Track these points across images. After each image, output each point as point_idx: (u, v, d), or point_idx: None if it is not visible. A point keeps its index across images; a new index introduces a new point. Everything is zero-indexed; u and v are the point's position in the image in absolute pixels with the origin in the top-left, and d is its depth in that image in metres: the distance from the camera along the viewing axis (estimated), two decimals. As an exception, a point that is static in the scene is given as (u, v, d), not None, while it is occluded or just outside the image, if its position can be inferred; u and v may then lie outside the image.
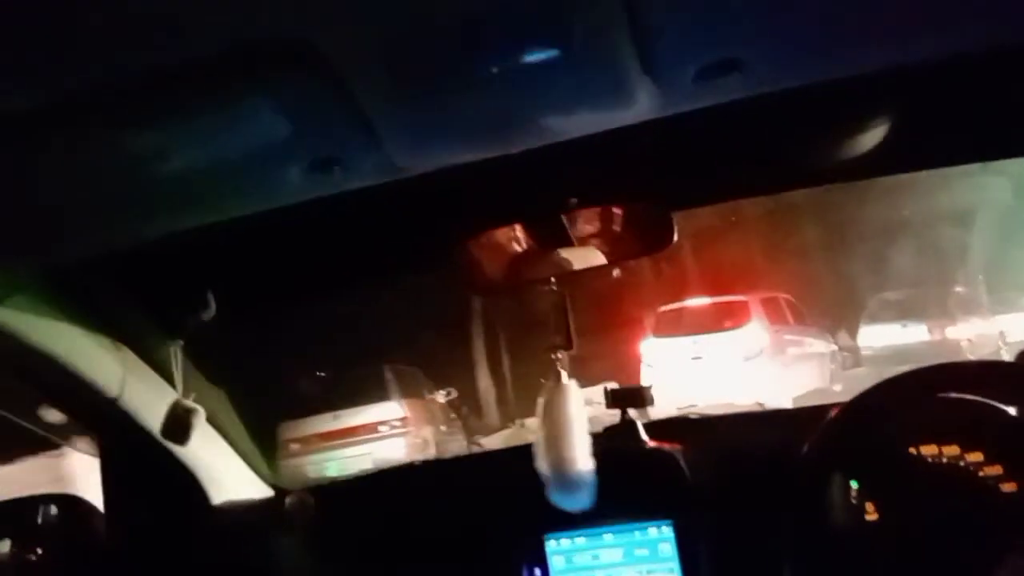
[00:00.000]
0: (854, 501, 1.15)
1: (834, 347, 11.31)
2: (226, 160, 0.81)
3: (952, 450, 1.11)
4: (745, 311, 9.81)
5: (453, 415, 10.17)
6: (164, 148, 0.78)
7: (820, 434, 1.14)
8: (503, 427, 11.22)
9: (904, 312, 11.15)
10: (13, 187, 0.82)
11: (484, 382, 12.35)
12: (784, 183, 1.26)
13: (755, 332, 9.53)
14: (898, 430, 1.14)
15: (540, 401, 1.19)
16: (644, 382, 7.12)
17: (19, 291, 1.07)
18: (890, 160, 1.14)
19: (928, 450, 1.13)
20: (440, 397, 9.92)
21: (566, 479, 1.15)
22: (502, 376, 12.69)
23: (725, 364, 8.91)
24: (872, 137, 1.09)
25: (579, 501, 1.17)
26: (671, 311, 10.41)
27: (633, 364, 10.00)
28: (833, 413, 1.14)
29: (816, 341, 10.80)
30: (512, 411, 11.48)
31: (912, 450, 1.13)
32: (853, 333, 11.96)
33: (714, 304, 10.13)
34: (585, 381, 1.34)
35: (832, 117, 1.07)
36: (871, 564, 1.11)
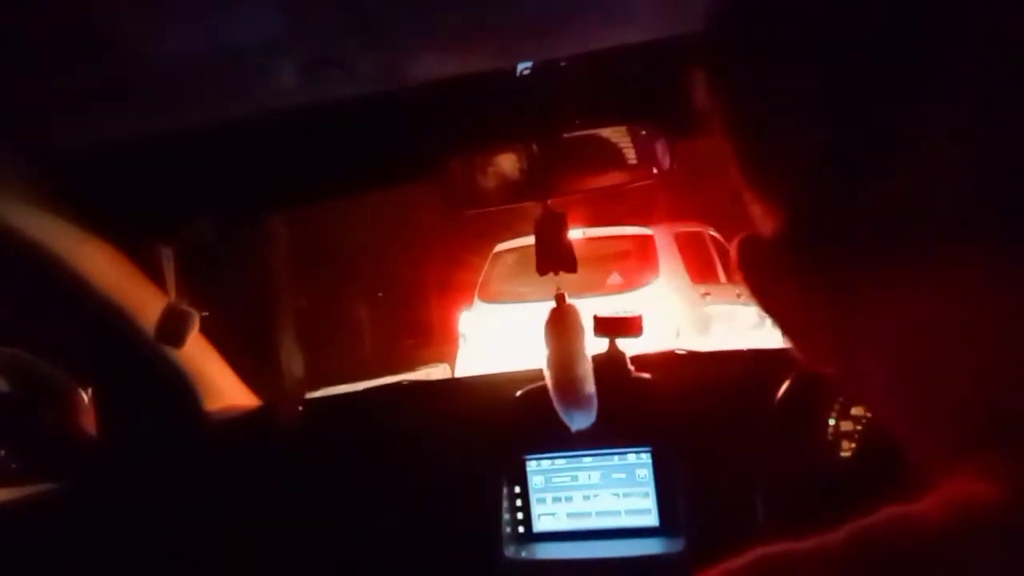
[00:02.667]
0: (830, 437, 1.17)
1: None
2: (219, 51, 0.79)
3: None
4: (648, 256, 5.67)
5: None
6: (154, 35, 0.76)
7: (802, 369, 1.15)
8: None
9: None
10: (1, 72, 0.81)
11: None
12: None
13: (665, 298, 5.42)
14: None
15: (544, 324, 1.20)
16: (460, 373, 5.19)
17: (11, 185, 1.06)
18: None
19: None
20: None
21: (572, 398, 1.18)
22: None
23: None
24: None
25: (585, 419, 1.20)
26: (512, 252, 5.88)
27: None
28: None
29: (756, 312, 6.59)
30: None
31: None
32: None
33: (592, 241, 5.40)
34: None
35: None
36: (842, 499, 1.13)
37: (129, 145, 1.03)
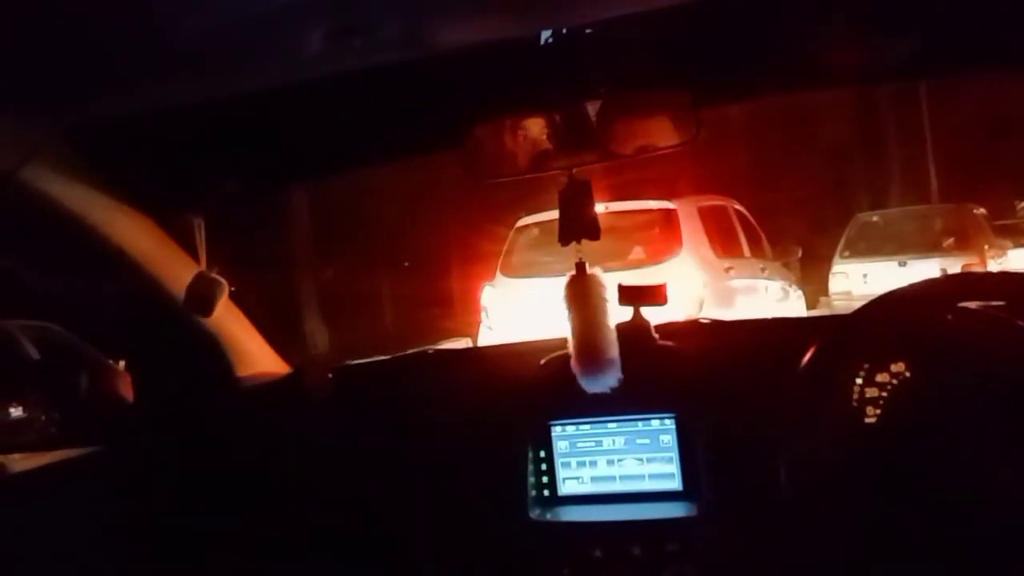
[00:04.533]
0: (855, 404, 1.17)
1: (798, 292, 7.02)
2: (246, 20, 0.80)
3: (963, 360, 1.12)
4: (672, 230, 5.62)
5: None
6: (184, 5, 0.77)
7: (830, 335, 1.15)
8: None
9: (902, 241, 7.96)
10: (34, 42, 0.82)
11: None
12: (813, 83, 1.22)
13: (688, 272, 5.36)
14: (912, 336, 1.15)
15: (565, 291, 1.22)
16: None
17: (44, 153, 1.08)
18: (926, 65, 1.10)
19: (938, 358, 1.14)
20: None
21: (593, 363, 1.19)
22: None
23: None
24: (907, 40, 1.05)
25: (606, 384, 1.21)
26: (534, 227, 5.95)
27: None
28: (846, 316, 1.15)
29: (781, 286, 6.58)
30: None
31: (924, 356, 1.14)
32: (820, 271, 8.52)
33: (615, 215, 5.36)
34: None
35: (866, 19, 1.03)
36: (867, 465, 1.14)
37: (161, 116, 1.04)
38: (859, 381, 1.18)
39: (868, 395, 1.18)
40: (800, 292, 7.05)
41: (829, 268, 8.46)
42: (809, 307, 7.38)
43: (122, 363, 1.64)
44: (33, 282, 1.42)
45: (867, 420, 1.17)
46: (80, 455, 1.59)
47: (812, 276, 8.30)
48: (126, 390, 1.59)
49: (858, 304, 1.20)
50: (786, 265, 7.04)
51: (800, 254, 7.40)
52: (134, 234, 1.30)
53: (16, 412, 1.56)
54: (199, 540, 1.46)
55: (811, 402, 1.18)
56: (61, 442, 1.57)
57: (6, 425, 1.54)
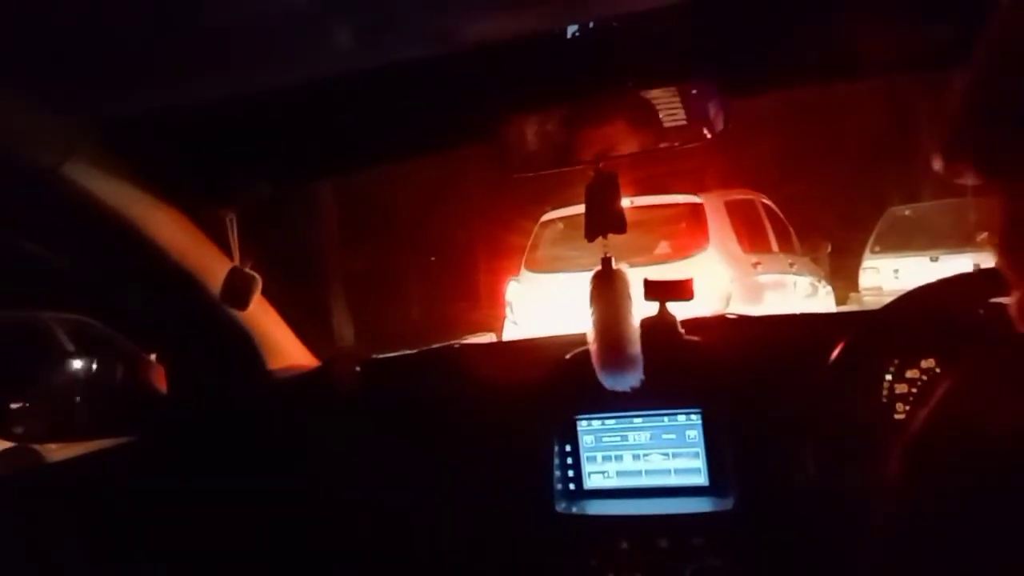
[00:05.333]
0: (884, 400, 1.16)
1: (828, 288, 6.89)
2: (275, 16, 0.81)
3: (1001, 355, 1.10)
4: (698, 225, 5.55)
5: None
6: (215, 2, 0.79)
7: (859, 330, 1.14)
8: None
9: (935, 236, 7.68)
10: (74, 41, 0.84)
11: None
12: (847, 73, 1.21)
13: (715, 267, 5.31)
14: (945, 330, 1.13)
15: (590, 285, 1.22)
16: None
17: (84, 148, 1.11)
18: (964, 53, 1.08)
19: (971, 353, 1.12)
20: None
21: (618, 360, 1.19)
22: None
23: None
24: (944, 28, 1.03)
25: (628, 381, 1.21)
26: (559, 221, 5.95)
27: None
28: (875, 311, 1.14)
29: (810, 281, 6.45)
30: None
31: (956, 351, 1.13)
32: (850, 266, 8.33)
33: (641, 210, 5.28)
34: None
35: (903, 3, 1.02)
36: (896, 462, 1.13)
37: (194, 112, 1.06)
38: (889, 377, 1.17)
39: (898, 391, 1.17)
40: (829, 288, 6.94)
41: (859, 263, 8.32)
42: (839, 303, 7.26)
43: (153, 356, 1.68)
44: (69, 275, 1.45)
45: (896, 416, 1.16)
46: (115, 445, 1.63)
47: (842, 271, 8.17)
48: (159, 381, 1.62)
49: (888, 300, 1.19)
50: (815, 260, 6.90)
51: (830, 249, 7.29)
52: (168, 229, 1.33)
53: (52, 402, 1.60)
54: (228, 526, 1.49)
55: (840, 398, 1.17)
56: (96, 431, 1.61)
57: (43, 414, 1.58)
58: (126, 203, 1.25)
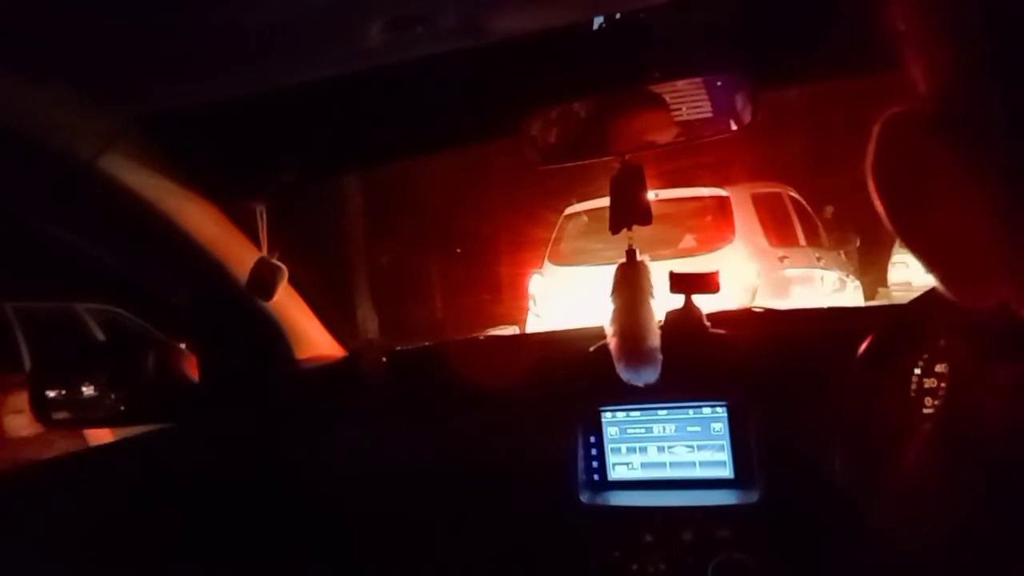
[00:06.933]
0: (913, 394, 1.15)
1: (856, 282, 6.76)
2: (307, 11, 0.82)
3: None
4: (724, 218, 5.52)
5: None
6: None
7: (888, 324, 1.13)
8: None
9: None
10: (110, 35, 0.86)
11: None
12: (880, 65, 1.19)
13: (741, 261, 5.25)
14: (975, 324, 1.12)
15: (613, 277, 1.22)
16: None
17: (120, 141, 1.13)
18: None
19: (1001, 347, 1.11)
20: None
21: (635, 353, 1.19)
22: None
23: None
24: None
25: (646, 375, 1.21)
26: (583, 214, 5.95)
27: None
28: (904, 304, 1.13)
29: (838, 275, 6.30)
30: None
31: (985, 346, 1.12)
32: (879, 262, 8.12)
33: (666, 203, 5.27)
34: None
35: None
36: (924, 456, 1.12)
37: (227, 105, 1.08)
38: (917, 372, 1.16)
39: (927, 385, 1.16)
40: (857, 282, 6.83)
41: (888, 257, 8.21)
42: (867, 298, 7.17)
43: (183, 345, 1.71)
44: (101, 266, 1.48)
45: (925, 411, 1.15)
46: (146, 432, 1.66)
47: (871, 266, 8.06)
48: (191, 370, 1.66)
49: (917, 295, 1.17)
50: (844, 254, 6.84)
51: (858, 243, 7.17)
52: (201, 220, 1.35)
53: (87, 391, 1.64)
54: (258, 512, 1.52)
55: (867, 392, 1.16)
56: (129, 419, 1.65)
57: (77, 403, 1.62)
58: (160, 195, 1.27)
